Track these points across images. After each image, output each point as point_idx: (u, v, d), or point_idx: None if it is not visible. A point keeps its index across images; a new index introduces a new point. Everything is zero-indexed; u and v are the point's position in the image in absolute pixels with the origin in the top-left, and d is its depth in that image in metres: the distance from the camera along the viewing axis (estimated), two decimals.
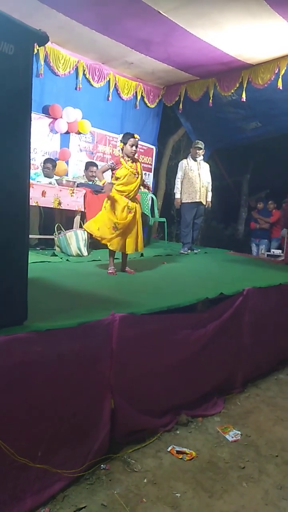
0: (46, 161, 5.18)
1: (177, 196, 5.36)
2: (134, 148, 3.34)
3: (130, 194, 3.39)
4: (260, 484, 1.95)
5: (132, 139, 3.33)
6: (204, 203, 5.41)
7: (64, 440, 1.82)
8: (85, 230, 3.62)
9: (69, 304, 2.30)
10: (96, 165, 5.71)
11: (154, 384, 2.29)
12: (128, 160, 3.38)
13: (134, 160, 3.42)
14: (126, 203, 3.35)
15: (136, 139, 3.35)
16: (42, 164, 5.17)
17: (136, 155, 3.43)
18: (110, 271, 3.45)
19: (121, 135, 3.51)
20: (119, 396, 2.04)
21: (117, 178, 3.37)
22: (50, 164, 5.12)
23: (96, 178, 5.63)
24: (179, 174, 5.34)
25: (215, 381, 2.73)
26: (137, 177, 3.40)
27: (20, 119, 1.54)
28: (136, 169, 3.39)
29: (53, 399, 1.76)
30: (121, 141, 3.43)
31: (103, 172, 3.45)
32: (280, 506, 1.81)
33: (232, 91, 5.87)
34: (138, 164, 3.45)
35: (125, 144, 3.36)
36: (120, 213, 3.33)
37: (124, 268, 3.59)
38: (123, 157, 3.38)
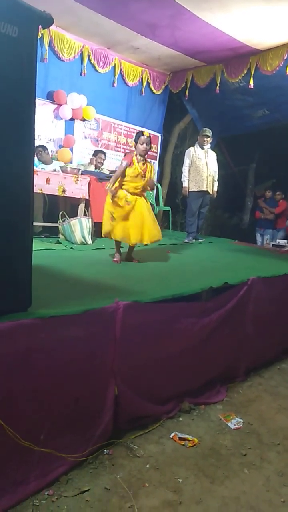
0: (36, 147, 5.11)
1: (185, 184, 5.31)
2: (145, 145, 3.33)
3: (130, 190, 3.36)
4: (261, 471, 1.97)
5: (142, 137, 3.32)
6: (210, 192, 5.35)
7: (67, 424, 1.85)
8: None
9: (73, 291, 2.31)
10: (105, 153, 5.70)
11: (158, 371, 2.30)
12: (140, 160, 3.35)
13: (146, 161, 3.40)
14: (124, 195, 3.33)
15: (146, 136, 3.33)
16: (35, 152, 5.11)
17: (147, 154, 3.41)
18: (115, 259, 3.47)
19: (135, 134, 3.50)
20: (122, 382, 2.06)
21: (124, 176, 3.35)
22: (40, 148, 5.01)
23: (103, 166, 5.61)
24: (187, 162, 5.28)
25: (218, 369, 2.74)
26: (143, 179, 3.37)
27: (24, 104, 1.52)
28: (145, 172, 3.36)
29: (57, 384, 1.77)
30: (134, 140, 3.45)
31: (118, 176, 3.36)
32: (281, 492, 1.83)
33: (240, 77, 5.77)
34: (149, 166, 3.41)
35: (136, 143, 3.37)
36: (117, 204, 3.32)
37: (129, 258, 3.59)
38: (136, 155, 3.36)
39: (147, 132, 3.42)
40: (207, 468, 1.95)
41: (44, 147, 5.11)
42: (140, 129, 6.75)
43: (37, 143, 5.39)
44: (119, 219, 3.34)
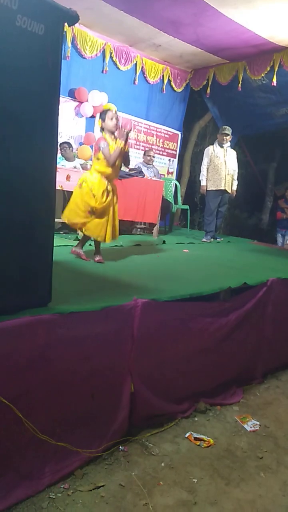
0: (62, 143, 5.17)
1: (203, 183, 5.27)
2: (114, 120, 3.04)
3: (111, 176, 3.09)
4: (278, 475, 1.94)
5: (109, 112, 3.05)
6: (229, 191, 5.29)
7: (83, 420, 1.87)
8: (63, 222, 3.26)
9: (92, 288, 2.32)
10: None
11: (174, 370, 2.30)
12: (112, 139, 3.06)
13: (115, 138, 3.07)
14: (105, 186, 3.03)
15: (114, 110, 3.10)
16: (60, 149, 5.16)
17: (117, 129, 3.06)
18: (83, 257, 3.17)
19: (98, 114, 3.22)
20: (139, 380, 2.06)
21: (98, 159, 3.04)
22: (66, 145, 5.09)
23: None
24: (205, 161, 5.24)
25: (235, 370, 2.72)
26: (119, 156, 3.05)
27: (48, 101, 1.54)
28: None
29: (74, 380, 1.79)
30: (99, 119, 3.14)
31: (108, 155, 3.01)
32: None
33: (263, 75, 5.67)
34: (119, 142, 3.03)
35: (104, 120, 3.06)
36: (100, 197, 2.99)
37: (96, 257, 3.19)
38: (105, 135, 3.07)
39: (113, 106, 3.13)
40: (222, 469, 1.94)
41: (69, 144, 5.18)
42: (161, 127, 6.74)
43: (60, 140, 5.45)
44: (100, 214, 3.03)
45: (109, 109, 3.12)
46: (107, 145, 3.01)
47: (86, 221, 3.02)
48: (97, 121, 3.16)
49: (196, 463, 1.96)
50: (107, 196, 3.05)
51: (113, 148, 3.02)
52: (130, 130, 3.12)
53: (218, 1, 4.25)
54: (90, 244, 3.38)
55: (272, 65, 5.48)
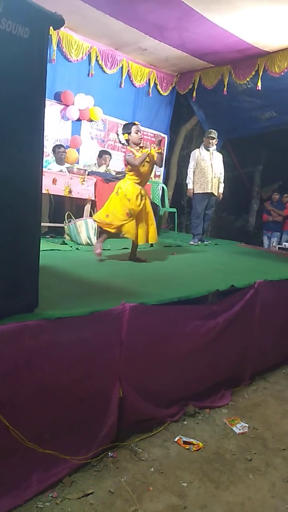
0: (59, 146, 5.15)
1: (189, 186, 5.30)
2: (139, 134, 3.36)
3: (142, 182, 3.42)
4: (267, 476, 1.95)
5: (134, 126, 3.34)
6: (216, 194, 5.33)
7: (71, 426, 1.84)
8: (94, 221, 3.61)
9: (79, 292, 2.30)
10: (110, 154, 5.69)
11: (163, 374, 2.29)
12: (138, 150, 3.37)
13: (141, 147, 3.42)
14: (139, 190, 3.37)
15: (138, 125, 3.36)
16: (55, 151, 5.13)
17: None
18: (98, 251, 3.44)
19: (121, 128, 3.48)
20: (127, 385, 2.05)
21: (129, 170, 3.38)
22: (63, 148, 5.10)
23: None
24: (191, 164, 5.27)
25: (223, 373, 2.73)
26: (149, 163, 3.39)
27: (35, 104, 1.52)
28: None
29: (62, 386, 1.77)
30: (123, 133, 3.39)
31: (133, 159, 3.31)
32: (287, 499, 1.81)
33: (248, 79, 5.76)
34: (145, 149, 3.40)
35: (129, 133, 3.34)
36: (135, 200, 3.33)
37: (136, 258, 3.59)
38: (132, 148, 3.36)
39: (137, 122, 3.43)
40: (212, 472, 1.94)
41: (65, 146, 5.21)
42: (147, 130, 6.76)
43: (45, 144, 5.42)
44: (134, 216, 3.34)
45: (134, 123, 3.36)
46: (132, 154, 3.31)
47: (124, 223, 3.33)
48: (122, 135, 3.43)
49: (185, 467, 1.96)
50: (141, 199, 3.37)
51: (153, 154, 3.35)
52: (161, 140, 3.54)
53: (202, 6, 4.30)
54: (126, 248, 3.68)
55: (257, 70, 5.58)
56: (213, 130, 5.22)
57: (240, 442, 2.21)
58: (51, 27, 1.56)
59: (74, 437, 1.85)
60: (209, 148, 5.23)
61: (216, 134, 5.20)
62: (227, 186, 5.50)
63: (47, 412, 1.73)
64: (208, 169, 5.19)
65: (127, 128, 3.36)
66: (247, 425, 2.37)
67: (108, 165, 5.63)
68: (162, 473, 1.89)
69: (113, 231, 3.41)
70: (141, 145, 3.39)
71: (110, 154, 5.73)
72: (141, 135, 3.37)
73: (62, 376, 1.76)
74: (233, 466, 2.01)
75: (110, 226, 3.38)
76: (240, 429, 2.32)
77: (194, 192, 5.28)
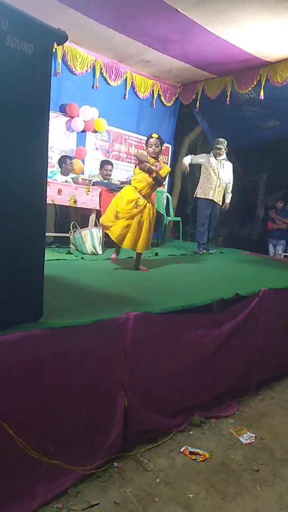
0: (65, 157, 5.21)
1: (185, 161, 5.30)
2: (153, 147, 3.39)
3: (142, 191, 3.39)
4: (274, 487, 1.92)
5: (150, 140, 3.40)
6: (218, 203, 5.30)
7: (76, 436, 1.84)
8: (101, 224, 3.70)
9: (84, 302, 2.31)
10: (112, 164, 5.72)
11: (168, 383, 2.28)
12: (154, 161, 3.42)
13: (157, 160, 3.45)
14: (136, 197, 3.36)
15: (154, 138, 3.39)
16: (65, 162, 5.17)
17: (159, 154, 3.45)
18: (112, 256, 3.63)
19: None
20: (132, 394, 2.04)
21: (133, 173, 3.49)
22: (69, 160, 5.16)
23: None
24: (198, 157, 5.29)
25: (229, 382, 2.70)
26: (151, 176, 3.39)
27: (39, 117, 1.55)
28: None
29: (67, 396, 1.77)
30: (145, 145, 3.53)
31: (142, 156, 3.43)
32: None
33: (250, 89, 5.80)
34: (155, 161, 3.43)
35: (146, 148, 3.47)
36: (126, 204, 3.33)
37: (137, 266, 3.59)
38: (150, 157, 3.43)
39: (155, 134, 3.44)
40: (218, 483, 1.91)
41: (70, 157, 5.27)
42: None
43: (51, 154, 5.49)
44: (122, 219, 3.34)
45: (151, 136, 3.42)
46: (145, 155, 3.41)
47: (111, 225, 3.39)
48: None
49: (191, 478, 1.93)
50: (135, 207, 3.35)
51: (150, 164, 3.35)
52: (158, 165, 3.43)
53: (205, 19, 4.38)
54: (131, 257, 3.73)
55: (259, 80, 5.62)
56: (221, 139, 5.14)
57: (246, 453, 2.18)
58: (55, 43, 1.60)
59: (79, 447, 1.85)
60: (217, 157, 5.20)
61: (225, 144, 5.13)
62: (232, 194, 5.47)
63: (52, 421, 1.73)
64: (213, 177, 5.15)
65: (146, 142, 3.46)
66: (253, 435, 2.34)
67: (110, 175, 5.62)
68: (168, 484, 1.87)
69: (107, 231, 3.49)
70: (155, 157, 3.42)
71: (112, 165, 5.74)
72: (153, 149, 3.37)
73: (67, 385, 1.76)
74: (240, 477, 1.98)
75: (106, 228, 3.49)
76: (246, 439, 2.29)
77: (197, 196, 5.26)
